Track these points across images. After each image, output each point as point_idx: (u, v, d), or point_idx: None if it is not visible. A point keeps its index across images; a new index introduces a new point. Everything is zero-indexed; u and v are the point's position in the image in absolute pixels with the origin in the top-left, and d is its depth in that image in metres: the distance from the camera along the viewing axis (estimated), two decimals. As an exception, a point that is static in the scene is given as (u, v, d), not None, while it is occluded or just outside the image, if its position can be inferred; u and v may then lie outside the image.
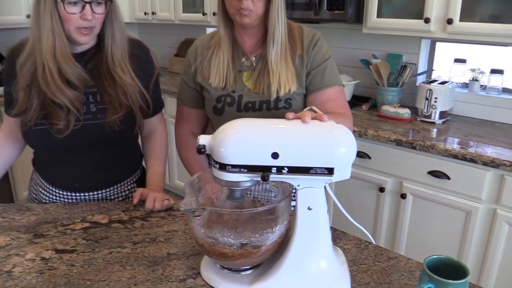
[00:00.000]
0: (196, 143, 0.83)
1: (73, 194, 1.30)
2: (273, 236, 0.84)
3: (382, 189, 2.12)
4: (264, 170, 0.80)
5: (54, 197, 1.32)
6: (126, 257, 1.02)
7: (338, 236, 1.10)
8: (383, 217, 2.17)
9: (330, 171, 0.79)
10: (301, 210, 0.84)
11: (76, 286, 0.92)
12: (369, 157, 2.14)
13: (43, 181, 1.32)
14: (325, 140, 0.78)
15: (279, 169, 0.80)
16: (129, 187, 1.38)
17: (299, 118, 0.82)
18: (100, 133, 1.20)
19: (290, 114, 0.83)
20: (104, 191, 1.33)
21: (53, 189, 1.31)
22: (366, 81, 2.69)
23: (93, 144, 1.22)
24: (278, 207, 0.84)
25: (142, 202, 1.27)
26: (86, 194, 1.31)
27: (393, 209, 2.14)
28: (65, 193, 1.30)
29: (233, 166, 0.80)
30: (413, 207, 2.06)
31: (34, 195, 1.35)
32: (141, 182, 1.39)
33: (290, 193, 0.88)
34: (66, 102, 1.16)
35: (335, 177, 0.80)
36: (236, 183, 0.82)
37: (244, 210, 0.84)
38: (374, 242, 1.04)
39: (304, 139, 0.79)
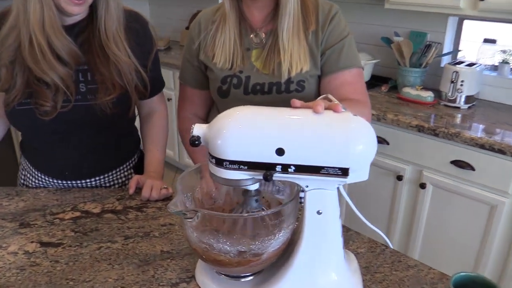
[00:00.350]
0: (190, 133, 0.72)
1: (63, 182, 1.21)
2: (276, 243, 0.73)
3: (400, 177, 1.99)
4: (267, 168, 0.68)
5: (43, 185, 1.23)
6: (115, 253, 0.93)
7: (351, 237, 0.98)
8: (400, 207, 2.05)
9: (344, 171, 0.67)
10: (309, 214, 0.72)
11: (58, 286, 0.84)
12: (387, 143, 2.00)
13: (31, 167, 1.22)
14: (339, 136, 0.66)
15: (285, 168, 0.68)
16: (125, 173, 1.28)
17: (309, 107, 0.69)
18: (90, 116, 1.08)
19: (297, 102, 0.71)
20: (97, 178, 1.23)
21: (42, 176, 1.21)
22: (386, 61, 2.52)
23: (83, 128, 1.12)
24: (284, 210, 0.72)
25: (139, 190, 1.17)
26: (78, 182, 1.21)
27: (410, 199, 2.01)
28: (54, 180, 1.21)
29: (232, 162, 0.69)
30: (432, 198, 1.93)
31: (22, 181, 1.26)
32: (139, 168, 1.29)
33: (298, 193, 0.76)
34: (56, 80, 1.04)
35: (350, 179, 0.68)
36: (236, 182, 0.71)
37: (242, 215, 0.72)
38: (391, 246, 0.92)
39: (314, 134, 0.66)
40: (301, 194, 0.77)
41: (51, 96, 1.05)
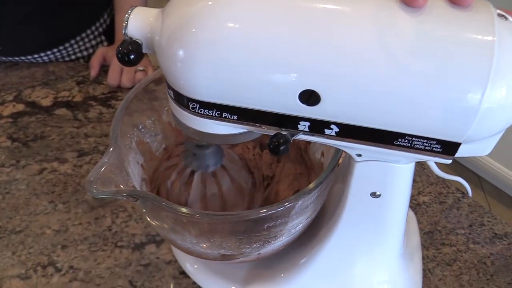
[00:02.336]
0: (122, 31, 0.34)
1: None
2: (277, 243, 0.41)
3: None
4: (280, 123, 0.33)
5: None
6: (62, 183, 0.64)
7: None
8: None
9: (450, 146, 0.31)
10: (357, 197, 0.39)
11: (-24, 236, 0.58)
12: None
13: None
14: (465, 64, 0.27)
15: (317, 126, 0.32)
16: (91, 42, 0.91)
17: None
18: None
19: None
20: (48, 53, 0.87)
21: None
22: None
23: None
24: (293, 207, 0.38)
25: (106, 68, 0.83)
26: (23, 57, 0.86)
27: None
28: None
29: (211, 105, 0.33)
30: None
31: None
32: (112, 33, 0.91)
33: (333, 169, 0.40)
34: None
35: (461, 153, 0.32)
36: (223, 138, 0.36)
37: (217, 213, 0.37)
38: (470, 194, 0.60)
39: (400, 62, 0.28)
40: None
41: None
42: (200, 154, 0.43)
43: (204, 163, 0.43)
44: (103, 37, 0.92)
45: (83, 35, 0.89)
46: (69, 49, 0.88)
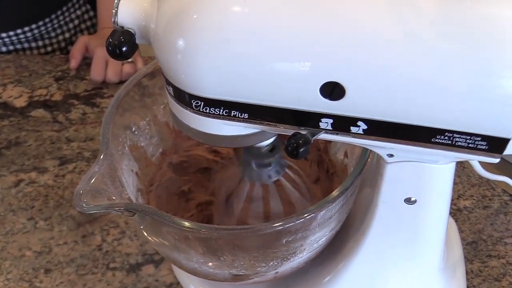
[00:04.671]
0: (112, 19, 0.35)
1: None
2: (297, 260, 0.42)
3: None
4: (301, 120, 0.33)
5: None
6: (42, 196, 0.65)
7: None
8: None
9: (497, 143, 0.31)
10: (388, 202, 0.40)
11: None
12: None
13: None
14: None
15: (341, 123, 0.33)
16: (77, 12, 0.94)
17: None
18: None
19: None
20: (26, 29, 0.89)
21: None
22: None
23: None
24: (315, 218, 0.38)
25: (88, 61, 0.83)
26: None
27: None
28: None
29: (217, 103, 0.33)
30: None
31: None
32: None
33: (356, 179, 0.40)
34: None
35: (510, 150, 0.33)
36: (232, 140, 0.37)
37: (227, 227, 0.37)
38: (519, 197, 0.61)
39: (432, 47, 0.28)
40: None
41: None
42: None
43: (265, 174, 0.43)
44: (87, 8, 0.95)
45: (63, 9, 0.91)
46: (48, 27, 0.91)
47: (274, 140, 0.40)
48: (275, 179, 0.43)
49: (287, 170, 0.46)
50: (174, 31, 0.31)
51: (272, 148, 0.41)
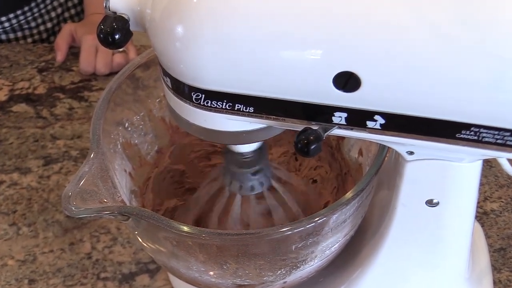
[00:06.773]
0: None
1: None
2: (307, 269, 0.42)
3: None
4: (312, 114, 0.34)
5: None
6: (25, 199, 0.66)
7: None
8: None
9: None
10: (408, 204, 0.40)
11: None
12: None
13: None
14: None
15: (359, 117, 0.33)
16: (60, 0, 0.95)
17: None
18: None
19: None
20: (3, 19, 0.90)
21: None
22: None
23: None
24: (327, 222, 0.39)
25: (76, 51, 0.85)
26: None
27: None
28: None
29: (220, 95, 0.34)
30: None
31: None
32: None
33: (371, 180, 0.41)
34: None
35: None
36: (234, 137, 0.37)
37: (230, 232, 0.38)
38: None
39: (458, 34, 0.29)
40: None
41: None
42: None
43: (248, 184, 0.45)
44: None
45: None
46: (28, 16, 0.92)
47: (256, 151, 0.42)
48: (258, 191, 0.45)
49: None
50: (172, 16, 0.32)
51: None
